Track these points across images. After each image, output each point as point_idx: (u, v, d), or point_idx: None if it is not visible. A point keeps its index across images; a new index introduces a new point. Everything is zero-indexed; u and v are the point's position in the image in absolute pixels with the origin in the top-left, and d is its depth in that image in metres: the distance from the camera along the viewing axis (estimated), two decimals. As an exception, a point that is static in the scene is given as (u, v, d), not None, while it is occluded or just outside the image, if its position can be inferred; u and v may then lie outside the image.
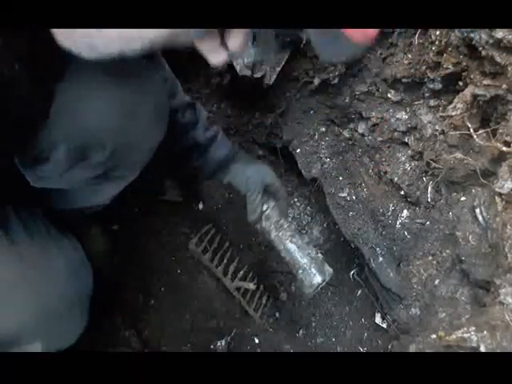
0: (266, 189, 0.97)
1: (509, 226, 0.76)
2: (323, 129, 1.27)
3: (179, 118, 0.91)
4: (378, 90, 1.11)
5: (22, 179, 0.69)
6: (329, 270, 0.92)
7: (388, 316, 1.17)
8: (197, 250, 1.26)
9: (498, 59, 0.75)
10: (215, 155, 0.97)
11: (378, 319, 1.26)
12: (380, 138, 1.14)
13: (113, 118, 0.58)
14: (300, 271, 0.91)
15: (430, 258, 1.01)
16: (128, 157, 0.67)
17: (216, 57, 0.47)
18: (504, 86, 0.78)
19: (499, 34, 0.72)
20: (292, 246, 0.93)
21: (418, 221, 1.09)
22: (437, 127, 0.99)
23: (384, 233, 1.15)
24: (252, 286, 1.27)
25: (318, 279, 0.89)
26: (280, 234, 0.94)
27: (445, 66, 0.89)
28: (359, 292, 1.34)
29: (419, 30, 0.95)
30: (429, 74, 0.95)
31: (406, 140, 1.09)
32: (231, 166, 0.98)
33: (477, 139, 0.84)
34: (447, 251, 0.98)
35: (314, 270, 0.90)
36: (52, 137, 0.58)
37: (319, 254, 0.93)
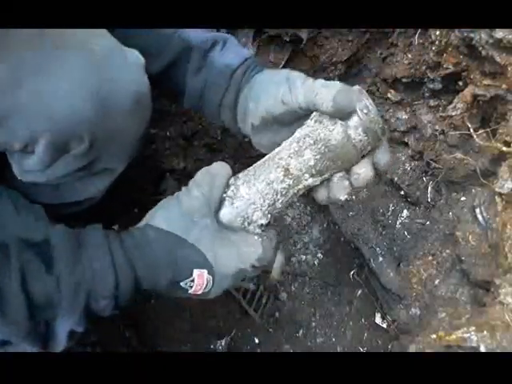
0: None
1: (509, 226, 0.76)
2: (323, 129, 1.27)
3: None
4: (378, 90, 1.11)
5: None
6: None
7: (388, 316, 1.17)
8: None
9: (498, 59, 0.75)
10: (221, 61, 0.67)
11: (378, 319, 1.26)
12: (380, 138, 1.14)
13: (86, 107, 0.57)
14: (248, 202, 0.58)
15: (430, 258, 1.01)
16: (110, 147, 0.65)
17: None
18: (504, 86, 0.78)
19: (499, 34, 0.71)
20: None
21: (418, 221, 1.09)
22: (437, 127, 0.99)
23: (384, 233, 1.15)
24: (252, 286, 1.27)
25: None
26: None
27: (445, 65, 0.89)
28: (359, 292, 1.33)
29: (419, 30, 0.95)
30: (429, 74, 0.95)
31: (406, 140, 1.09)
32: (252, 78, 0.65)
33: (477, 139, 0.84)
34: (447, 251, 0.98)
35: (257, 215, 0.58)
36: (32, 129, 0.57)
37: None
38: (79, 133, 0.58)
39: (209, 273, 0.56)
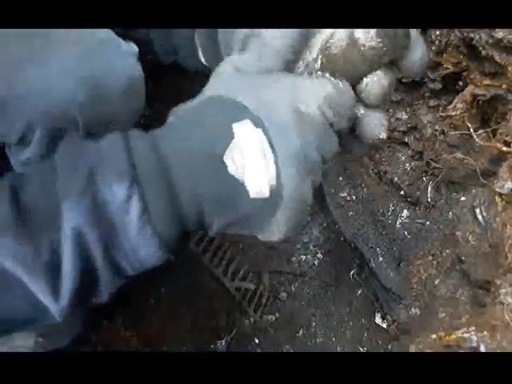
0: None
1: (509, 226, 0.76)
2: (323, 129, 1.27)
3: None
4: (378, 90, 1.11)
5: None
6: None
7: (388, 316, 1.17)
8: (197, 249, 1.26)
9: (498, 59, 0.75)
10: None
11: (378, 319, 1.26)
12: (380, 138, 1.14)
13: (79, 93, 0.56)
14: None
15: (430, 257, 1.01)
16: (104, 133, 0.65)
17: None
18: (504, 86, 0.78)
19: (499, 34, 0.72)
20: None
21: (418, 221, 1.09)
22: (437, 127, 0.99)
23: (384, 233, 1.15)
24: (252, 286, 1.27)
25: None
26: None
27: (445, 65, 0.89)
28: (359, 292, 1.33)
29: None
30: (429, 74, 0.95)
31: (406, 140, 1.09)
32: None
33: (477, 139, 0.84)
34: (447, 251, 0.98)
35: None
36: (28, 118, 0.58)
37: None
38: (74, 120, 0.59)
39: (256, 124, 0.36)
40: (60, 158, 0.37)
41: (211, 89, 0.40)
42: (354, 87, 0.43)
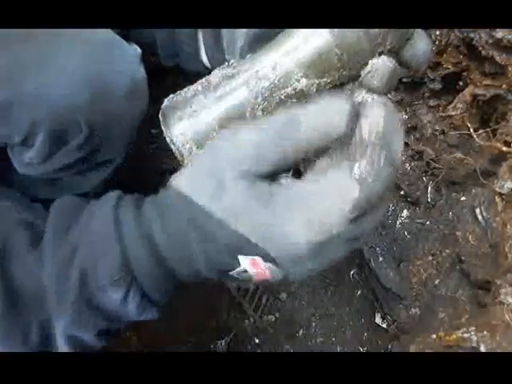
0: None
1: (509, 226, 0.76)
2: (323, 129, 1.27)
3: None
4: (377, 90, 1.11)
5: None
6: None
7: (388, 316, 1.17)
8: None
9: (498, 59, 0.75)
10: None
11: (378, 319, 1.26)
12: (380, 138, 1.14)
13: (83, 95, 0.57)
14: None
15: (430, 257, 1.01)
16: (108, 136, 0.65)
17: None
18: (504, 86, 0.78)
19: (499, 34, 0.72)
20: None
21: (418, 221, 1.09)
22: (437, 127, 0.99)
23: (384, 233, 1.15)
24: (252, 285, 1.27)
25: None
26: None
27: (445, 65, 0.89)
28: (359, 292, 1.33)
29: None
30: (429, 74, 0.95)
31: (406, 140, 1.09)
32: None
33: (477, 139, 0.84)
34: (447, 251, 0.98)
35: None
36: (32, 120, 0.58)
37: None
38: (77, 121, 0.59)
39: (264, 259, 0.34)
40: (48, 256, 0.37)
41: (216, 200, 0.35)
42: (359, 75, 0.44)
